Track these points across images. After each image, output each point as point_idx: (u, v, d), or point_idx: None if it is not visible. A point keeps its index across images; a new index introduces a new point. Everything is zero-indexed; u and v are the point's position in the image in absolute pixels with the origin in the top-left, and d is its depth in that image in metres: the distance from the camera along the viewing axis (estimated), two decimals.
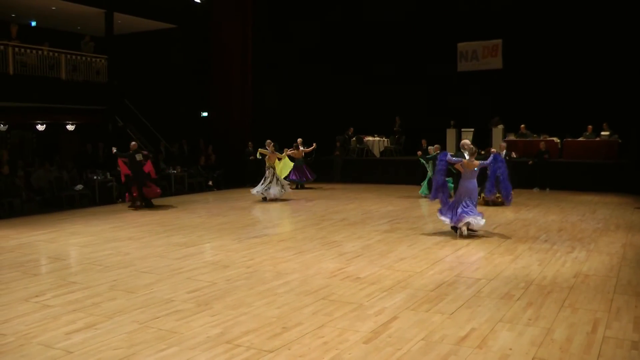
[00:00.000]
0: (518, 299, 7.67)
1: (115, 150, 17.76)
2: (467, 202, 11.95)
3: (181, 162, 23.38)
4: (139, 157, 17.47)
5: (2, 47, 19.76)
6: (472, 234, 12.19)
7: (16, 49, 20.19)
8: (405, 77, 25.13)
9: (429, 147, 19.00)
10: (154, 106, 26.04)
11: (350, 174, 24.95)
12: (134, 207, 17.76)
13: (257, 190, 18.84)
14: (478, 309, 7.27)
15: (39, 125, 25.19)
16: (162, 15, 24.57)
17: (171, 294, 8.17)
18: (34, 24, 24.72)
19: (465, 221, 11.84)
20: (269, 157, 18.88)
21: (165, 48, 26.82)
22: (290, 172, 20.35)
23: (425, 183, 19.00)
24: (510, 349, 5.97)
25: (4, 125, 25.04)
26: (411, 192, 20.16)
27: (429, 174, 18.66)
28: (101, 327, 6.89)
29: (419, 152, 19.97)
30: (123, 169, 17.75)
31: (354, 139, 25.84)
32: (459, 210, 11.92)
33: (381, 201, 18.38)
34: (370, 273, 9.10)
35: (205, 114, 26.95)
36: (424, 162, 19.11)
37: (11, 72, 19.96)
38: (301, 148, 22.13)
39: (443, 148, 23.41)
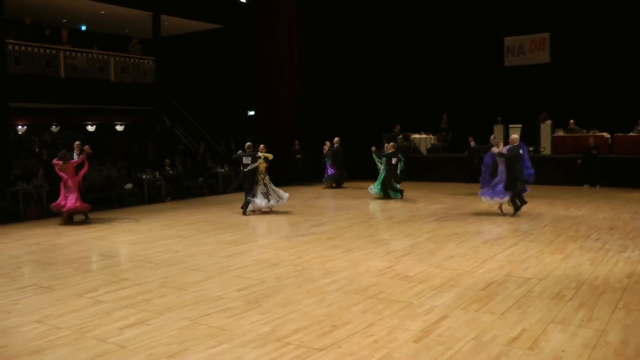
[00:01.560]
0: (570, 300, 7.53)
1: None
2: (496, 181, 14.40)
3: (228, 161, 23.56)
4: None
5: (54, 51, 20.19)
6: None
7: (67, 53, 20.61)
8: (452, 73, 24.90)
9: (386, 145, 19.05)
10: (201, 106, 26.30)
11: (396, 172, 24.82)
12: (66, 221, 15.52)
13: (264, 204, 16.20)
14: (529, 309, 7.15)
15: (89, 126, 25.65)
16: (208, 16, 24.78)
17: (221, 291, 8.25)
18: (84, 28, 25.16)
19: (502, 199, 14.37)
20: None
21: (211, 48, 27.05)
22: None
23: (378, 182, 18.84)
24: (563, 351, 5.84)
25: (56, 126, 25.57)
26: (458, 190, 20.05)
27: (382, 173, 18.75)
28: (152, 323, 7.00)
29: (373, 148, 19.75)
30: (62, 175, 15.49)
31: (400, 136, 25.72)
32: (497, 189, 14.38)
33: (428, 199, 18.29)
34: (419, 271, 9.07)
35: (252, 112, 27.12)
36: (378, 160, 19.13)
37: (62, 75, 20.40)
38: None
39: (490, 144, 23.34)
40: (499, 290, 7.98)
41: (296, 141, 23.25)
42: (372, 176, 22.32)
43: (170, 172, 21.02)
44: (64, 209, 15.16)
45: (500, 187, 14.34)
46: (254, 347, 6.09)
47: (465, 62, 24.85)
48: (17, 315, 7.55)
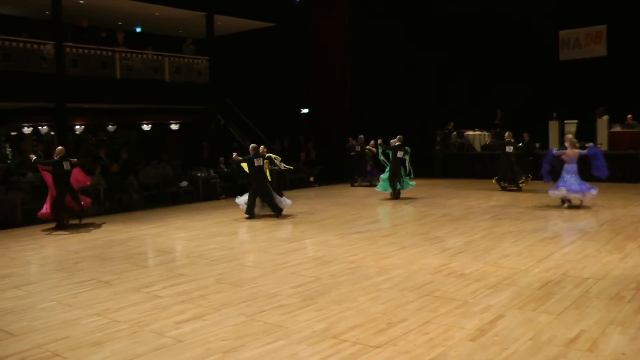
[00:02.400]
0: (629, 301, 7.31)
1: (34, 158, 15.34)
2: (567, 178, 14.86)
3: (282, 159, 23.69)
4: (66, 165, 14.84)
5: (110, 53, 20.57)
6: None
7: (122, 54, 20.98)
8: (505, 69, 24.60)
9: (391, 140, 18.51)
10: (255, 104, 26.49)
11: (450, 169, 24.70)
12: (62, 227, 14.96)
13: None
14: (587, 310, 7.00)
15: (145, 125, 26.06)
16: (261, 15, 24.93)
17: (276, 288, 8.31)
18: (138, 30, 25.57)
19: (564, 194, 14.85)
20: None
21: (264, 46, 27.21)
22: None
23: (385, 178, 18.40)
24: (623, 354, 5.68)
25: (112, 125, 26.05)
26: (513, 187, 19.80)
27: (387, 168, 18.31)
28: (209, 318, 7.09)
29: (379, 141, 19.20)
30: (47, 178, 15.10)
31: (454, 133, 25.55)
32: (561, 184, 14.89)
33: (483, 196, 18.12)
34: (474, 269, 8.99)
35: (305, 110, 27.21)
36: (381, 153, 18.72)
37: (118, 75, 20.78)
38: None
39: (545, 140, 23.01)
40: (556, 290, 7.84)
41: (350, 138, 23.20)
42: (424, 173, 22.26)
43: (225, 170, 21.24)
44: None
45: (576, 182, 14.86)
46: (309, 344, 6.12)
47: (519, 57, 24.51)
48: (77, 308, 7.76)
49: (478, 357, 5.65)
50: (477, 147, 25.37)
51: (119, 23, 23.49)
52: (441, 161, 24.95)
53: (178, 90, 22.67)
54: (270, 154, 15.74)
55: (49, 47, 19.25)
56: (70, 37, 20.49)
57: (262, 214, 15.53)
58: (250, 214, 15.27)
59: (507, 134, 19.93)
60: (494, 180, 19.87)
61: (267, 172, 15.78)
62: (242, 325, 6.77)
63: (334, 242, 11.62)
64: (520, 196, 17.79)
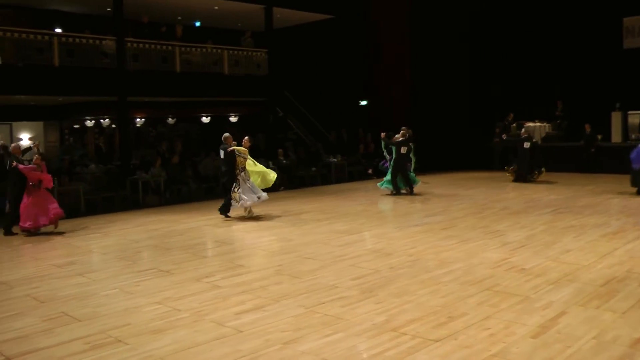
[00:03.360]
0: None
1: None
2: None
3: (341, 151, 23.76)
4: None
5: (169, 47, 20.84)
6: None
7: (182, 48, 21.23)
8: (566, 58, 24.06)
9: (396, 135, 17.95)
10: (313, 96, 26.52)
11: (509, 161, 24.30)
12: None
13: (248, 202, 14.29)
14: None
15: (204, 118, 26.34)
16: (319, 7, 24.91)
17: (335, 280, 8.31)
18: (198, 24, 25.82)
19: None
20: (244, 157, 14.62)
21: (323, 38, 27.20)
22: None
23: (388, 175, 17.82)
24: None
25: (172, 118, 26.42)
26: (574, 180, 19.46)
27: (391, 164, 17.70)
28: (269, 309, 7.13)
29: (383, 135, 18.38)
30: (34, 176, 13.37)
31: (514, 125, 25.14)
32: None
33: (544, 189, 17.80)
34: (535, 264, 8.82)
35: (364, 102, 27.15)
36: (384, 147, 18.13)
37: (178, 69, 21.03)
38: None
39: (608, 132, 22.49)
40: (620, 287, 7.62)
41: (409, 130, 22.97)
42: (483, 165, 22.00)
43: (284, 161, 21.36)
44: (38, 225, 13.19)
45: None
46: (369, 336, 6.10)
47: (581, 46, 23.91)
48: (138, 296, 7.92)
49: (540, 355, 5.53)
50: (537, 139, 24.85)
51: (179, 18, 23.74)
52: (500, 153, 24.58)
53: (237, 83, 22.83)
54: (234, 147, 14.36)
55: (110, 43, 19.59)
56: (131, 33, 20.83)
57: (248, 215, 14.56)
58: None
59: (522, 130, 20.08)
60: (507, 172, 20.16)
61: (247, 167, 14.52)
62: (301, 317, 6.80)
63: (393, 235, 11.57)
64: (582, 190, 17.40)
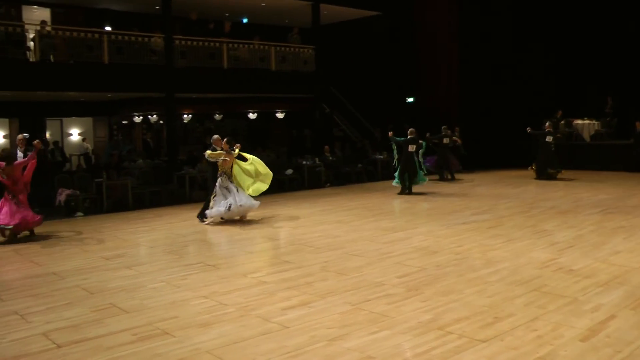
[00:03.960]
0: None
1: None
2: None
3: (387, 148, 23.69)
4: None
5: (217, 44, 20.98)
6: None
7: (229, 45, 21.35)
8: (617, 53, 23.55)
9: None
10: (359, 93, 26.49)
11: (558, 159, 23.95)
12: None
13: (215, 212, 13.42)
14: None
15: (251, 114, 26.51)
16: (366, 3, 24.86)
17: (381, 277, 8.29)
18: (245, 20, 25.96)
19: None
20: (223, 160, 13.59)
21: (369, 35, 27.13)
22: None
23: (398, 171, 17.58)
24: None
25: (219, 114, 26.64)
26: (624, 179, 19.09)
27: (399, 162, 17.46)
28: (315, 305, 7.15)
29: (390, 133, 18.14)
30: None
31: (562, 122, 24.76)
32: None
33: (592, 188, 17.49)
34: (584, 265, 8.68)
35: (410, 99, 27.03)
36: (394, 145, 17.69)
37: (225, 66, 21.15)
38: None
39: None
40: None
41: (456, 128, 22.80)
42: (530, 163, 21.64)
43: (330, 158, 21.40)
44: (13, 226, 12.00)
45: None
46: (415, 334, 6.08)
47: (632, 41, 23.40)
48: (185, 290, 8.01)
49: (589, 359, 5.43)
50: (586, 137, 24.44)
51: (226, 14, 23.91)
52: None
53: (284, 79, 22.91)
54: (207, 151, 13.68)
55: (158, 40, 19.81)
56: (179, 30, 21.03)
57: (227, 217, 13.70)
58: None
59: (547, 123, 19.96)
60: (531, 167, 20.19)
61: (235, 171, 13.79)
62: (347, 314, 6.79)
63: (439, 233, 11.51)
64: (633, 189, 17.06)
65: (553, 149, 19.80)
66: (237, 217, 13.58)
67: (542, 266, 8.68)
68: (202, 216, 13.76)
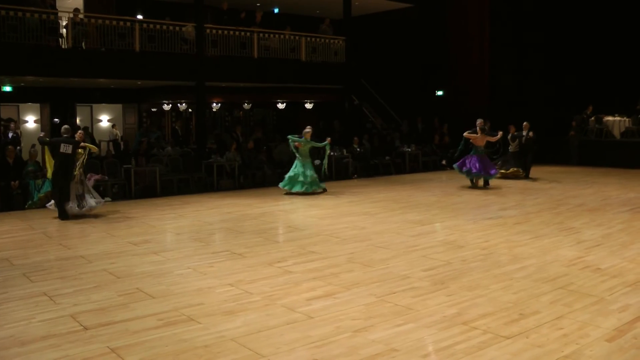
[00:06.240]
0: None
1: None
2: None
3: (416, 140, 23.65)
4: (65, 148, 12.77)
5: (248, 33, 21.01)
6: None
7: (260, 35, 21.38)
8: None
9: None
10: (389, 85, 26.41)
11: (587, 157, 23.72)
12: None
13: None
14: None
15: (280, 104, 26.54)
16: None
17: (407, 270, 8.30)
18: (276, 10, 25.96)
19: None
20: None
21: (401, 27, 27.01)
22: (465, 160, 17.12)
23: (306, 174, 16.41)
24: None
25: (248, 104, 26.72)
26: None
27: (299, 165, 16.36)
28: (340, 296, 7.17)
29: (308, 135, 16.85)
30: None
31: (592, 118, 24.48)
32: None
33: (622, 187, 17.29)
34: (611, 265, 8.59)
35: (440, 92, 26.90)
36: (294, 146, 16.63)
37: (256, 55, 21.17)
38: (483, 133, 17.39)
39: None
40: None
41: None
42: (558, 160, 21.51)
43: (358, 149, 21.39)
44: None
45: None
46: (440, 328, 6.08)
47: None
48: (211, 277, 8.08)
49: None
50: (616, 134, 24.14)
51: (258, 4, 23.92)
52: (577, 148, 24.01)
53: (314, 70, 22.89)
54: (86, 144, 13.32)
55: (190, 29, 19.88)
56: (211, 19, 21.09)
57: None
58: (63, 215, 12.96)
59: (524, 123, 19.29)
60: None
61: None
62: (372, 306, 6.81)
63: (466, 227, 11.47)
64: None
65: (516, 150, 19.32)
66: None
67: (568, 264, 8.62)
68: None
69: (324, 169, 17.02)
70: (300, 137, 16.55)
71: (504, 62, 25.06)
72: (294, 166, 16.57)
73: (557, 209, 13.60)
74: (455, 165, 17.49)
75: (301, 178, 16.23)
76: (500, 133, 17.67)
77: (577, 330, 6.05)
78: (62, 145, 12.69)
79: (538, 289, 7.42)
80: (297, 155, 16.56)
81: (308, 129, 16.67)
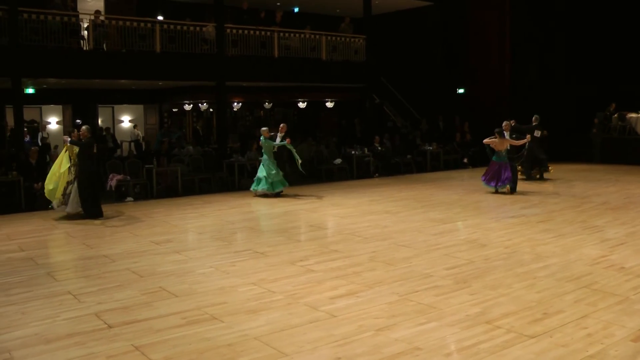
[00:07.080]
0: None
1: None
2: None
3: (437, 139, 23.58)
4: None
5: (268, 33, 21.04)
6: None
7: (280, 34, 21.40)
8: None
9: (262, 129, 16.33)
10: (410, 83, 26.35)
11: (611, 154, 23.50)
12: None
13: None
14: None
15: (300, 103, 26.57)
16: None
17: (429, 269, 8.28)
18: (296, 10, 25.98)
19: None
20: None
21: (421, 26, 26.94)
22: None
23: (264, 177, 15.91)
24: None
25: (269, 103, 26.77)
26: None
27: (265, 167, 15.87)
28: (362, 295, 7.16)
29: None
30: None
31: (615, 115, 24.24)
32: None
33: None
34: (636, 264, 8.48)
35: (461, 90, 26.80)
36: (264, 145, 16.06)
37: (276, 55, 21.19)
38: (506, 136, 15.89)
39: None
40: None
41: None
42: (581, 158, 21.33)
43: (379, 148, 21.37)
44: None
45: None
46: (463, 327, 6.05)
47: None
48: (234, 276, 8.10)
49: None
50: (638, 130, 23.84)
51: (278, 4, 23.95)
52: (600, 145, 23.77)
53: (334, 68, 22.89)
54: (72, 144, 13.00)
55: (210, 29, 19.94)
56: (231, 19, 21.13)
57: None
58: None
59: (534, 117, 18.19)
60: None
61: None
62: (395, 304, 6.80)
63: (488, 226, 11.42)
64: None
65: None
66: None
67: (592, 263, 8.55)
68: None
69: (299, 166, 16.43)
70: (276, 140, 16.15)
71: (525, 60, 24.90)
72: (262, 168, 16.04)
73: (580, 207, 13.49)
74: (483, 182, 16.17)
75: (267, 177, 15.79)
76: (528, 137, 16.57)
77: (602, 329, 5.99)
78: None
79: (561, 288, 7.36)
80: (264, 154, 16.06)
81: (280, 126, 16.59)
